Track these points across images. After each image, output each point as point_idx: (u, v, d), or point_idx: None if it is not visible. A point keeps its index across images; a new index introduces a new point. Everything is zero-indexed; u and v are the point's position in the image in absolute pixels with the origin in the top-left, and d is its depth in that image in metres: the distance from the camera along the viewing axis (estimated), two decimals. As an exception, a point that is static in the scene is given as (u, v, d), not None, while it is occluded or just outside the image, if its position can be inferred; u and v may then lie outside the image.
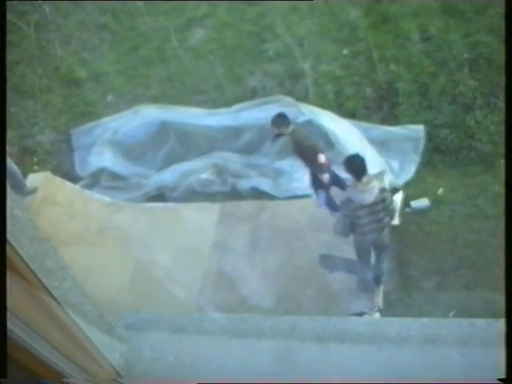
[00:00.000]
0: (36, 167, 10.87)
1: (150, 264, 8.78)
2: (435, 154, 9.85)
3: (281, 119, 8.37)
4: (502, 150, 8.59)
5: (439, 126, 9.87)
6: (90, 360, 1.99)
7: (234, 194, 9.89)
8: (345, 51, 11.12)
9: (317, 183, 8.71)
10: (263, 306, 7.53)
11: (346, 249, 7.77)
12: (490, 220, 8.55)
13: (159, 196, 10.17)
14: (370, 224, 7.26)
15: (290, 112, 9.90)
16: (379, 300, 8.09)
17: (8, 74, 12.17)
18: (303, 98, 10.49)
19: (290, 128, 8.31)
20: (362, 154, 7.53)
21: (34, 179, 10.26)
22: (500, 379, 1.85)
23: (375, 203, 7.10)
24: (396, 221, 8.53)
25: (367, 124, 10.07)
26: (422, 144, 9.82)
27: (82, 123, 11.15)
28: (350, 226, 7.30)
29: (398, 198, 9.16)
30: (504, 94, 1.91)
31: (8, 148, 9.83)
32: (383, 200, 7.20)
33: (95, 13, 12.92)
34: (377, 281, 8.07)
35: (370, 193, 7.04)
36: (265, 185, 9.93)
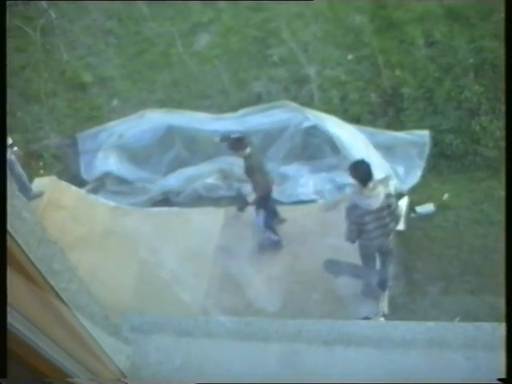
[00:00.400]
0: (42, 171, 10.89)
1: (155, 268, 8.78)
2: (440, 160, 9.85)
3: (238, 142, 8.43)
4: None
5: (444, 132, 9.87)
6: (96, 361, 1.99)
7: (240, 199, 9.89)
8: (350, 56, 11.14)
9: (260, 202, 8.86)
10: (268, 311, 7.52)
11: (352, 254, 7.76)
12: (496, 225, 8.53)
13: (164, 200, 10.17)
14: (375, 230, 7.25)
15: (295, 117, 9.94)
16: (384, 305, 8.07)
17: (14, 79, 12.22)
18: (308, 103, 10.50)
19: (247, 151, 8.35)
20: (367, 159, 7.52)
21: (39, 183, 10.29)
22: (500, 379, 1.86)
23: (381, 209, 7.09)
24: (401, 226, 8.52)
25: (372, 129, 10.07)
26: (427, 149, 9.82)
27: (87, 127, 11.18)
28: (357, 232, 7.29)
29: (404, 203, 9.15)
30: (507, 98, 1.91)
31: (14, 151, 9.86)
32: (389, 206, 7.19)
33: (101, 18, 12.97)
34: (382, 286, 8.06)
35: (375, 198, 7.03)
36: (270, 190, 9.93)
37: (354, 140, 9.76)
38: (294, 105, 10.20)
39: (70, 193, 10.33)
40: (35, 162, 11.00)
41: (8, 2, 12.83)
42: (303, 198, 9.75)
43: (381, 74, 10.60)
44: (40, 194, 9.86)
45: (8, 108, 11.51)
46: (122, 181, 10.57)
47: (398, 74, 10.58)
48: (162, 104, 11.18)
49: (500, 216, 8.46)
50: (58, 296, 1.83)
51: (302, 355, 2.46)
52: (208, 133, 10.35)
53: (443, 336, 2.53)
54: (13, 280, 1.58)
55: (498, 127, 9.49)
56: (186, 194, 10.12)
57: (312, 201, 9.71)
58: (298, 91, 10.84)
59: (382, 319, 7.75)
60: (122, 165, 10.62)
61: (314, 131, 9.89)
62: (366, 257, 7.73)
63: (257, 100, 10.83)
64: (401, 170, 9.79)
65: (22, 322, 1.55)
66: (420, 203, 9.31)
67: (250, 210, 9.07)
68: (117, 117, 11.17)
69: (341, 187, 9.65)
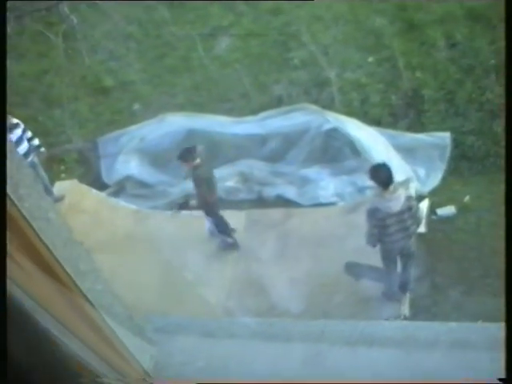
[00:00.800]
0: (63, 175, 10.99)
1: (177, 270, 8.82)
2: (462, 162, 9.80)
3: (187, 153, 8.54)
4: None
5: (466, 133, 9.82)
6: (121, 360, 2.01)
7: (260, 202, 9.91)
8: (370, 59, 11.12)
9: (208, 211, 9.00)
10: (290, 313, 7.52)
11: (373, 257, 7.74)
12: (518, 227, 8.46)
13: (185, 204, 10.19)
14: (397, 233, 7.22)
15: (316, 120, 9.93)
16: (405, 308, 8.05)
17: (36, 84, 12.34)
18: (329, 105, 10.50)
19: (197, 161, 8.44)
20: (387, 161, 7.51)
21: (61, 187, 10.38)
22: (500, 379, 1.85)
23: (402, 211, 7.07)
24: (422, 228, 8.49)
25: (393, 131, 10.05)
26: (448, 151, 9.78)
27: (108, 131, 11.25)
28: (378, 236, 7.27)
29: (424, 205, 9.12)
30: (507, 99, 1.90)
31: (39, 153, 9.96)
32: (410, 208, 7.16)
33: (121, 23, 13.05)
34: (403, 289, 8.03)
35: (396, 201, 7.00)
36: (290, 192, 9.93)
37: (375, 142, 9.74)
38: (314, 107, 10.20)
39: (91, 196, 10.41)
40: (57, 166, 11.10)
41: (30, 9, 12.97)
42: (324, 200, 9.74)
43: (401, 76, 10.58)
44: (61, 198, 9.94)
45: (30, 112, 11.66)
46: (142, 184, 10.62)
47: (419, 75, 10.55)
48: (183, 108, 11.23)
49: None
50: (84, 296, 1.85)
51: (325, 356, 2.46)
52: (229, 136, 10.39)
53: (467, 336, 2.53)
54: (40, 279, 1.61)
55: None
56: (207, 197, 10.14)
57: (332, 203, 9.70)
58: (319, 94, 10.84)
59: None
60: (143, 168, 10.68)
61: (334, 134, 9.88)
62: (388, 260, 7.70)
63: (277, 103, 10.85)
64: (422, 172, 9.75)
65: (51, 322, 1.57)
66: (441, 205, 9.26)
67: (277, 216, 9.16)
68: (138, 121, 11.23)
69: (361, 190, 9.63)
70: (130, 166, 10.65)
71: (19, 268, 1.49)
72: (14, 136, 9.24)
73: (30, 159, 9.48)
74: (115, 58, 12.63)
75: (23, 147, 9.48)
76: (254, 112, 10.66)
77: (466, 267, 8.45)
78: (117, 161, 10.72)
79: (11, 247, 1.52)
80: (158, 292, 8.53)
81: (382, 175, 7.02)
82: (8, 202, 1.52)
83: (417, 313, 8.00)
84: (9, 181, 1.65)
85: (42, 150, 10.02)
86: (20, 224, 1.57)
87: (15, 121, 9.56)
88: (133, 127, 11.06)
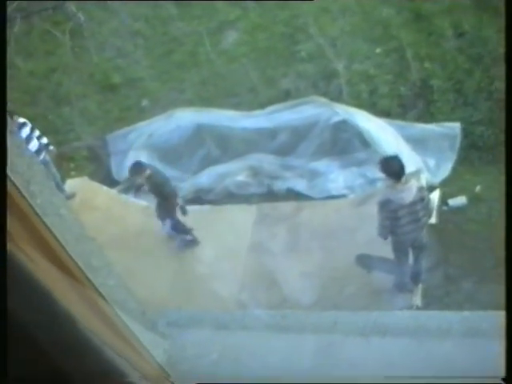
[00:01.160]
0: (73, 173, 11.02)
1: (189, 264, 8.86)
2: (472, 151, 9.77)
3: (135, 168, 8.73)
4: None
5: (475, 123, 9.79)
6: (135, 354, 2.03)
7: (270, 196, 9.91)
8: (378, 50, 11.09)
9: (162, 212, 9.12)
10: (302, 306, 7.53)
11: (384, 248, 7.73)
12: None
13: (195, 199, 10.21)
14: (409, 224, 7.20)
15: (324, 112, 9.92)
16: (417, 299, 8.04)
17: (44, 82, 12.38)
18: (337, 98, 10.49)
19: (147, 173, 8.61)
20: (398, 152, 7.49)
21: (71, 184, 10.42)
22: (503, 379, 1.85)
23: (414, 203, 7.05)
24: (433, 219, 8.47)
25: (402, 122, 10.03)
26: (458, 141, 9.76)
27: (117, 128, 11.28)
28: (390, 228, 7.25)
29: (435, 196, 9.10)
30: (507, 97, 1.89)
31: (50, 151, 10.01)
32: (422, 199, 7.15)
33: (128, 20, 13.06)
34: (415, 280, 8.02)
35: (408, 192, 6.99)
36: (300, 186, 9.94)
37: (384, 134, 9.73)
38: (322, 100, 10.19)
39: (102, 193, 10.46)
40: (66, 164, 11.13)
41: (37, 8, 13.00)
42: (334, 193, 9.75)
43: (410, 66, 10.55)
44: (72, 196, 9.98)
45: (39, 111, 11.71)
46: (153, 180, 10.63)
47: (427, 66, 10.52)
48: (191, 103, 11.24)
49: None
50: (97, 291, 1.86)
51: (338, 347, 2.46)
52: (238, 130, 10.40)
53: (479, 325, 2.52)
54: (53, 275, 1.62)
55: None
56: (217, 191, 10.16)
57: (343, 196, 9.70)
58: (327, 86, 10.82)
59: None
60: (153, 164, 10.70)
61: (343, 126, 9.87)
62: (399, 251, 7.69)
63: (285, 96, 10.84)
64: (432, 162, 9.73)
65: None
66: (452, 196, 9.24)
67: (288, 209, 9.20)
68: (146, 117, 11.25)
69: (371, 181, 9.62)
70: (140, 162, 10.67)
71: (33, 263, 1.50)
72: (23, 134, 9.29)
73: (41, 157, 9.53)
74: (123, 55, 12.65)
75: (33, 145, 9.53)
76: (262, 106, 10.66)
77: (477, 257, 8.43)
78: (126, 157, 10.74)
79: (23, 243, 1.54)
80: (170, 286, 8.57)
81: (393, 167, 6.99)
82: (20, 198, 1.53)
83: (429, 303, 7.99)
84: (20, 177, 1.66)
85: (51, 148, 10.07)
86: (32, 220, 1.58)
87: (22, 120, 9.61)
88: (142, 123, 11.09)
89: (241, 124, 10.41)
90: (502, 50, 9.99)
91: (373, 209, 7.43)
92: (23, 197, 1.53)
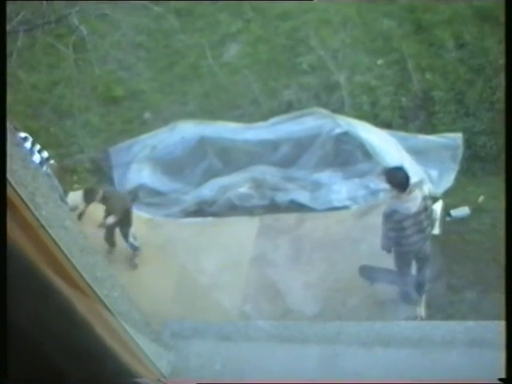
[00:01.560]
0: (76, 185, 11.02)
1: (192, 277, 8.85)
2: (474, 162, 9.77)
3: (88, 195, 8.90)
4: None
5: (477, 134, 9.80)
6: (140, 365, 2.03)
7: (273, 207, 9.91)
8: (379, 61, 11.11)
9: (124, 228, 9.25)
10: (306, 317, 7.52)
11: (387, 259, 7.73)
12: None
13: (198, 211, 10.21)
14: (414, 234, 7.19)
15: (326, 124, 9.94)
16: (422, 310, 8.02)
17: (47, 95, 12.40)
18: (339, 109, 10.49)
19: (100, 194, 8.74)
20: (400, 163, 7.49)
21: (74, 197, 10.42)
22: (500, 379, 1.85)
23: (419, 212, 7.05)
24: (436, 230, 8.47)
25: (404, 133, 10.04)
26: (460, 152, 9.76)
27: (120, 141, 11.29)
28: (394, 239, 7.24)
29: (438, 207, 9.09)
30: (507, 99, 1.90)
31: (50, 165, 10.01)
32: (426, 208, 7.15)
33: (130, 32, 13.09)
34: (419, 291, 8.00)
35: (413, 202, 6.98)
36: (303, 197, 9.93)
37: (386, 145, 9.74)
38: (324, 112, 10.20)
39: (105, 206, 10.44)
40: (69, 177, 11.13)
41: (40, 21, 13.05)
42: (337, 204, 9.74)
43: (411, 77, 10.56)
44: (75, 208, 9.98)
45: (42, 124, 11.73)
46: (155, 192, 10.64)
47: (429, 77, 10.53)
48: (194, 115, 11.24)
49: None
50: (101, 302, 1.87)
51: (341, 357, 2.47)
52: (240, 142, 10.41)
53: (483, 335, 2.53)
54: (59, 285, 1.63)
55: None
56: (220, 203, 10.16)
57: (345, 207, 9.69)
58: (329, 98, 10.83)
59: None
60: (156, 177, 10.71)
61: (345, 137, 9.88)
62: (403, 262, 7.68)
63: (287, 108, 10.85)
64: (434, 173, 9.73)
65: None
66: (455, 207, 9.23)
67: (291, 221, 9.19)
68: (149, 129, 11.27)
69: (374, 193, 9.62)
70: (143, 174, 10.68)
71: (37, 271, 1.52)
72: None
73: (44, 170, 9.55)
74: (125, 68, 12.68)
75: (35, 158, 9.54)
76: (265, 118, 10.68)
77: (481, 268, 8.41)
78: (129, 170, 10.75)
79: (28, 254, 1.54)
80: (173, 298, 8.57)
81: (399, 178, 7.00)
82: (24, 209, 1.54)
83: (433, 314, 7.97)
84: (25, 189, 1.68)
85: (52, 162, 10.08)
86: (37, 232, 1.59)
87: (23, 134, 9.63)
88: (144, 136, 11.10)
89: (243, 136, 10.43)
90: (503, 60, 10.01)
91: (376, 220, 7.43)
92: (28, 208, 1.54)
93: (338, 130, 9.91)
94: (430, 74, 10.54)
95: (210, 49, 12.07)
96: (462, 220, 9.09)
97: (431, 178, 9.62)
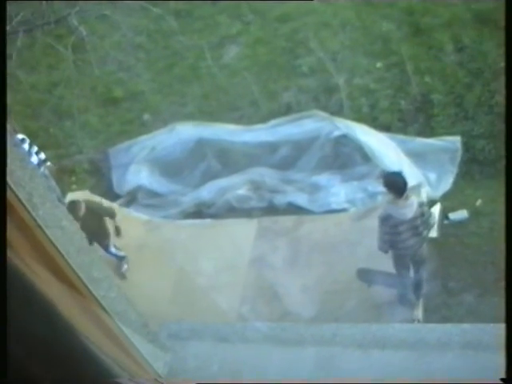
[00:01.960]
0: (74, 186, 11.03)
1: (190, 278, 8.85)
2: (473, 165, 9.77)
3: (71, 206, 8.70)
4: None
5: (476, 137, 9.80)
6: (136, 366, 2.03)
7: (271, 210, 9.90)
8: (378, 64, 11.12)
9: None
10: (303, 319, 7.52)
11: (385, 262, 7.74)
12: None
13: (196, 213, 10.21)
14: (409, 239, 7.21)
15: (325, 127, 9.94)
16: (419, 313, 8.03)
17: (47, 96, 12.41)
18: (338, 112, 10.50)
19: (82, 211, 8.64)
20: (398, 167, 7.50)
21: (72, 198, 10.41)
22: (502, 379, 1.86)
23: (414, 218, 7.06)
24: (434, 233, 8.47)
25: (403, 136, 10.04)
26: (459, 155, 9.76)
27: (119, 142, 11.29)
28: (390, 242, 7.26)
29: (436, 210, 9.09)
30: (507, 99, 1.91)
31: (48, 166, 10.02)
32: (422, 214, 7.16)
33: (130, 33, 13.09)
34: (416, 294, 8.01)
35: (409, 208, 7.00)
36: (301, 200, 9.93)
37: (385, 148, 9.74)
38: (323, 114, 10.21)
39: (103, 207, 10.44)
40: (68, 177, 11.14)
41: (39, 22, 13.06)
42: (335, 206, 9.74)
43: (410, 81, 10.57)
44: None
45: (41, 124, 11.73)
46: (154, 194, 10.64)
47: (428, 80, 10.54)
48: (193, 117, 11.25)
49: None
50: (98, 303, 1.87)
51: (337, 359, 2.47)
52: (239, 144, 10.41)
53: (480, 338, 2.53)
54: (54, 285, 1.63)
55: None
56: (218, 205, 10.15)
57: (344, 210, 9.69)
58: (328, 100, 10.84)
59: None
60: (154, 178, 10.70)
61: (344, 140, 9.89)
62: (400, 265, 7.70)
63: (287, 110, 10.85)
64: (433, 176, 9.73)
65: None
66: (453, 210, 9.23)
67: (289, 223, 9.19)
68: (148, 131, 11.27)
69: (372, 195, 9.62)
70: (141, 175, 10.68)
71: (35, 275, 1.51)
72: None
73: (41, 171, 9.55)
74: (124, 69, 12.68)
75: (33, 160, 9.55)
76: (264, 120, 10.68)
77: (479, 271, 8.42)
78: (128, 171, 10.75)
79: (25, 255, 1.55)
80: (171, 299, 8.57)
81: (396, 183, 7.01)
82: (22, 209, 1.54)
83: (430, 318, 7.97)
84: (22, 190, 1.68)
85: (49, 163, 10.09)
86: (34, 232, 1.59)
87: (21, 136, 9.64)
88: (143, 137, 11.10)
89: (242, 138, 10.43)
90: (502, 63, 10.03)
91: (374, 223, 7.43)
92: (26, 209, 1.54)
93: (336, 133, 9.91)
94: (429, 77, 10.55)
95: (210, 50, 12.07)
96: (460, 223, 9.09)
97: (430, 181, 9.63)
